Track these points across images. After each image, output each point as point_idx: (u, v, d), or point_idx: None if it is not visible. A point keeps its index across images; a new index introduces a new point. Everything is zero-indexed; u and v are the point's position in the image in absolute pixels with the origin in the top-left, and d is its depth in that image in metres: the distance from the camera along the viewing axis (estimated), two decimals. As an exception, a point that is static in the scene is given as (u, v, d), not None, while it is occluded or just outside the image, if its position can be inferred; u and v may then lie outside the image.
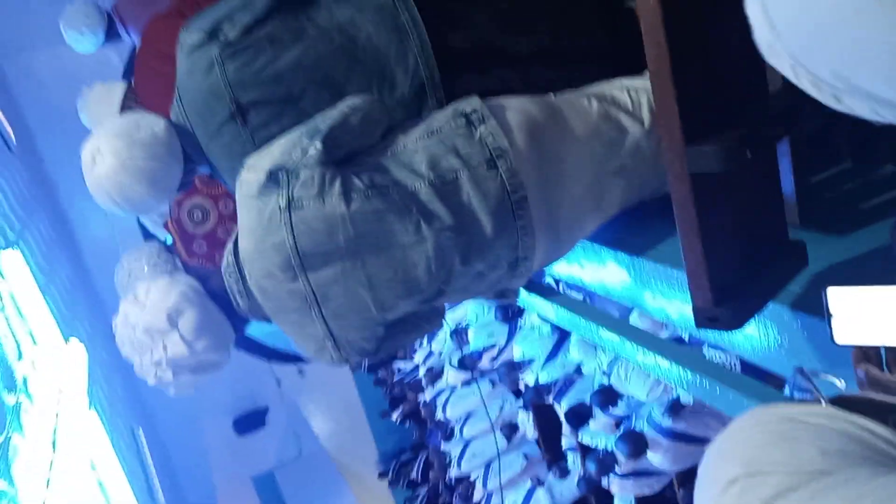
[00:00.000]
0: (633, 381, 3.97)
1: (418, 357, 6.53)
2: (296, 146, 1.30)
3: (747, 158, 0.98)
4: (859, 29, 0.49)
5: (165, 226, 2.41)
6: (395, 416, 7.38)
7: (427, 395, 6.55)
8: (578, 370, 4.57)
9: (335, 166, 1.29)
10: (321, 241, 1.27)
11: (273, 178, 1.28)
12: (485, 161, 1.31)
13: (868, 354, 0.77)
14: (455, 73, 1.48)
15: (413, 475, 7.50)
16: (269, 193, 1.28)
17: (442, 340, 6.11)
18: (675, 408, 3.72)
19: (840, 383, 0.69)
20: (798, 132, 1.20)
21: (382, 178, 1.30)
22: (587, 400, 4.42)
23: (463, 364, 5.38)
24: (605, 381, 4.21)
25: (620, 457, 4.09)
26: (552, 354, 4.88)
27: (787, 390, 1.19)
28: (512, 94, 1.43)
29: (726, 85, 1.06)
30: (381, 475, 7.84)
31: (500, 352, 5.25)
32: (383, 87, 1.47)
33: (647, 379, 3.82)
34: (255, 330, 1.53)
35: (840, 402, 0.60)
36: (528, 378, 5.03)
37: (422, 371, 6.50)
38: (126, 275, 2.11)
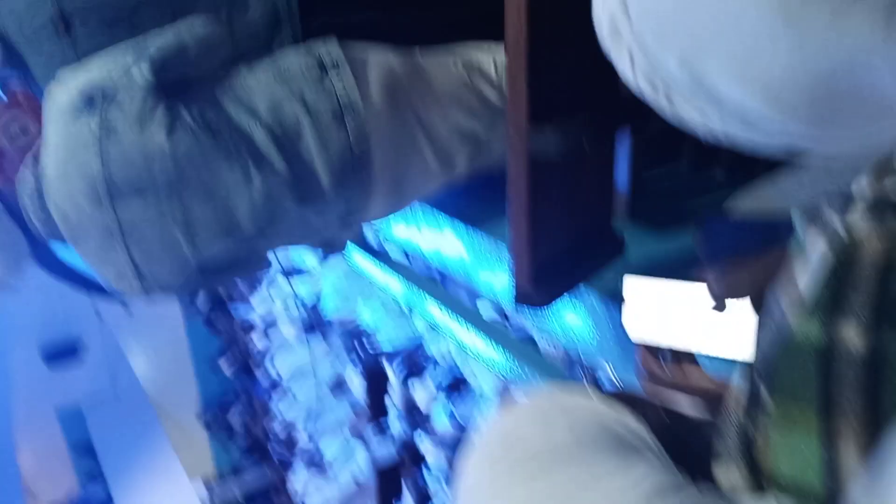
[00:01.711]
0: (483, 377, 4.07)
1: (255, 304, 6.39)
2: (118, 66, 1.19)
3: (585, 147, 1.00)
4: (726, 8, 0.46)
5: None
6: (224, 363, 7.22)
7: (258, 345, 6.45)
8: (423, 343, 4.63)
9: (161, 93, 1.19)
10: (134, 173, 1.18)
11: (87, 98, 1.16)
12: (332, 113, 1.26)
13: (650, 348, 0.82)
14: (316, 5, 1.40)
15: (232, 422, 7.38)
16: (80, 114, 1.17)
17: (285, 286, 6.01)
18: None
19: (609, 368, 0.74)
20: (641, 127, 1.24)
21: (215, 114, 1.22)
22: (427, 370, 4.50)
23: (306, 318, 5.31)
24: (454, 370, 4.29)
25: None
26: (398, 324, 4.92)
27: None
28: (376, 41, 1.37)
29: (580, 69, 1.07)
30: (200, 419, 7.66)
31: (348, 313, 5.23)
32: (233, 10, 1.37)
33: (492, 373, 3.91)
34: (70, 255, 1.42)
35: (609, 394, 0.65)
36: (368, 342, 5.06)
37: (256, 318, 6.38)
38: None
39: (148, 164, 1.18)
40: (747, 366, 0.56)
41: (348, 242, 1.45)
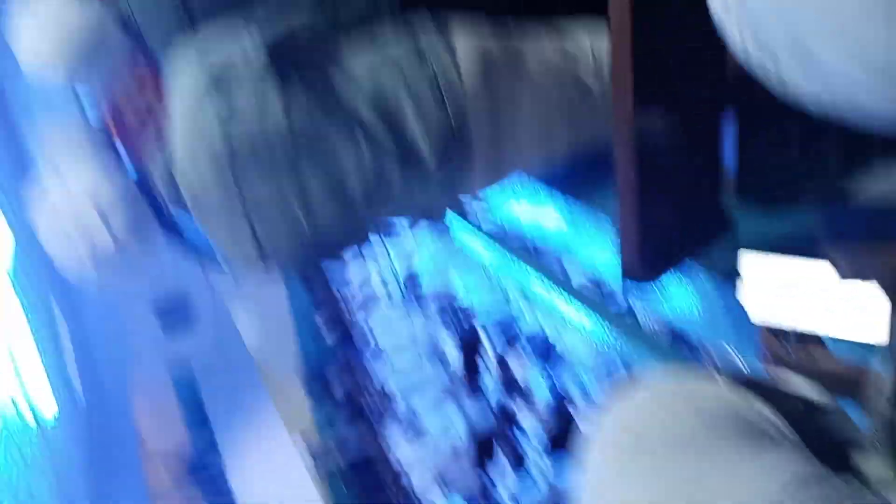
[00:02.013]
0: (576, 345, 4.04)
1: (355, 272, 6.55)
2: (237, 49, 1.27)
3: (692, 127, 1.00)
4: None
5: (104, 111, 2.29)
6: (323, 326, 7.42)
7: (358, 312, 6.60)
8: (517, 315, 4.65)
9: (277, 75, 1.27)
10: (256, 151, 1.26)
11: (210, 82, 1.25)
12: (432, 94, 1.31)
13: (772, 329, 0.80)
14: None
15: (330, 385, 7.60)
16: (204, 98, 1.25)
17: (383, 258, 6.12)
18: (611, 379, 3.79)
19: (741, 361, 0.72)
20: (749, 104, 1.22)
21: (326, 94, 1.29)
22: (523, 341, 4.52)
23: (403, 289, 5.41)
24: (545, 336, 4.30)
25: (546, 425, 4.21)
26: (494, 295, 4.94)
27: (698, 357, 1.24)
28: (473, 12, 1.41)
29: (686, 47, 1.07)
30: (302, 383, 7.93)
31: (444, 285, 5.29)
32: None
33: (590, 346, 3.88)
34: (188, 226, 1.51)
35: (736, 380, 0.62)
36: (464, 313, 5.11)
37: (356, 286, 6.53)
38: (52, 148, 2.03)
39: (269, 143, 1.26)
40: (889, 354, 0.55)
41: (447, 212, 1.50)
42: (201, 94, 1.25)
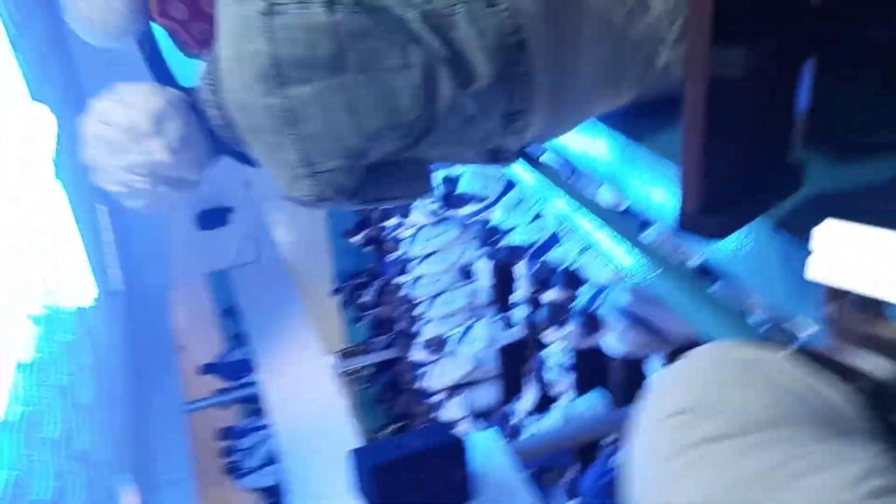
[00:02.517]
0: (597, 267, 4.02)
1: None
2: None
3: (769, 73, 0.93)
4: None
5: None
6: (356, 238, 7.48)
7: (392, 224, 6.62)
8: (553, 239, 4.62)
9: None
10: (300, 51, 1.20)
11: None
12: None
13: (839, 294, 0.75)
14: None
15: (364, 298, 7.72)
16: None
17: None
18: (636, 291, 3.77)
19: (808, 330, 0.68)
20: (829, 51, 1.14)
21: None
22: (555, 266, 4.51)
23: (445, 201, 5.36)
24: (572, 266, 4.27)
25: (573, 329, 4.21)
26: (529, 220, 4.92)
27: (751, 319, 1.20)
28: None
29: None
30: (334, 292, 8.05)
31: (485, 207, 5.25)
32: None
33: (628, 281, 3.85)
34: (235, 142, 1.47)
35: (803, 352, 0.59)
36: (500, 233, 5.10)
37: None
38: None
39: (311, 43, 1.20)
40: None
41: (515, 154, 1.43)
42: None
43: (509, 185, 5.00)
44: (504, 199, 5.17)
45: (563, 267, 4.45)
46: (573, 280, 4.33)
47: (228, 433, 6.89)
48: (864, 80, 1.41)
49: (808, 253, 0.74)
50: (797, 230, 1.08)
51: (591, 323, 4.05)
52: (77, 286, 4.07)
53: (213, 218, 6.93)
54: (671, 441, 0.54)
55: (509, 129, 1.35)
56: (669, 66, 1.36)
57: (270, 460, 6.27)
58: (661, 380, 0.60)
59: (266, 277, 7.12)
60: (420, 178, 1.43)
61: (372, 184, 1.34)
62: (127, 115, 1.33)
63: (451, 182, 5.39)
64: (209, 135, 1.38)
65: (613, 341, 4.00)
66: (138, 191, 1.37)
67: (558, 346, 4.77)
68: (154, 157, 1.33)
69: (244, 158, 1.44)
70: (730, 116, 1.01)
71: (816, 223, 0.74)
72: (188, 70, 1.82)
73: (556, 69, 1.31)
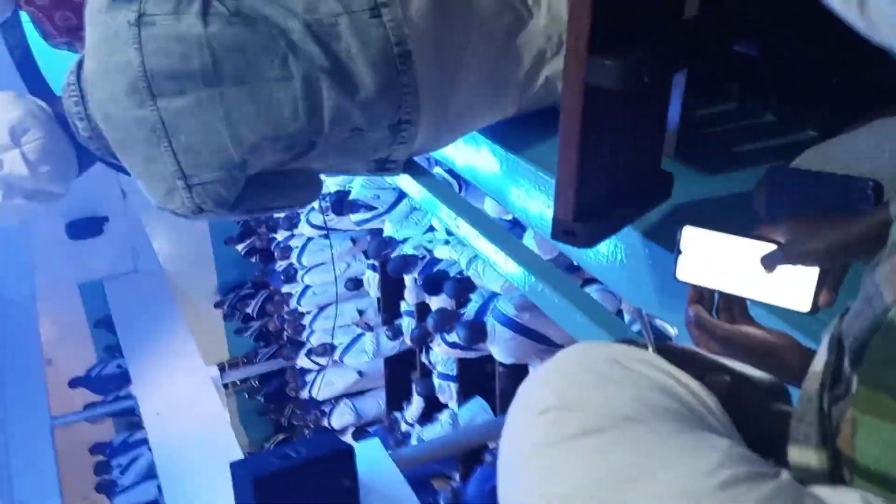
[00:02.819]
0: (488, 275, 4.07)
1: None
2: None
3: (644, 81, 0.96)
4: None
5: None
6: (241, 247, 7.31)
7: (280, 236, 6.51)
8: (443, 246, 4.65)
9: None
10: (173, 63, 1.16)
11: None
12: (368, 7, 1.23)
13: (702, 296, 0.78)
14: None
15: (249, 310, 7.54)
16: (117, 8, 1.15)
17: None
18: (523, 301, 3.84)
19: (673, 330, 0.71)
20: (698, 64, 1.19)
21: (250, 8, 1.19)
22: (444, 278, 4.54)
23: (334, 210, 5.30)
24: (463, 272, 4.31)
25: (459, 336, 4.24)
26: (421, 231, 4.94)
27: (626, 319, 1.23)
28: None
29: (643, 1, 1.02)
30: (217, 305, 7.82)
31: (376, 216, 5.22)
32: None
33: (511, 288, 3.91)
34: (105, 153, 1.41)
35: (666, 350, 0.61)
36: (389, 246, 5.09)
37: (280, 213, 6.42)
38: None
39: (185, 55, 1.16)
40: (830, 342, 0.53)
41: (402, 164, 1.42)
42: (112, 4, 1.15)
43: (401, 196, 5.01)
44: (396, 209, 5.17)
45: (453, 276, 4.48)
46: (462, 288, 4.38)
47: (102, 449, 6.58)
48: (727, 95, 1.48)
49: (674, 256, 0.77)
50: (665, 239, 1.12)
51: (478, 332, 4.10)
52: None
53: (85, 227, 6.61)
54: (537, 438, 0.54)
55: (396, 140, 1.34)
56: (550, 80, 1.39)
57: (148, 476, 6.01)
58: (531, 379, 0.60)
59: (143, 288, 6.83)
60: (307, 188, 1.40)
61: (255, 194, 1.31)
62: None
63: (342, 192, 5.35)
64: (75, 146, 1.31)
65: (499, 350, 4.06)
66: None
67: (444, 355, 4.80)
68: (10, 170, 1.27)
69: (118, 167, 1.38)
70: (604, 125, 1.04)
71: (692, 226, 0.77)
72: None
73: (441, 80, 1.32)
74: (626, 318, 1.21)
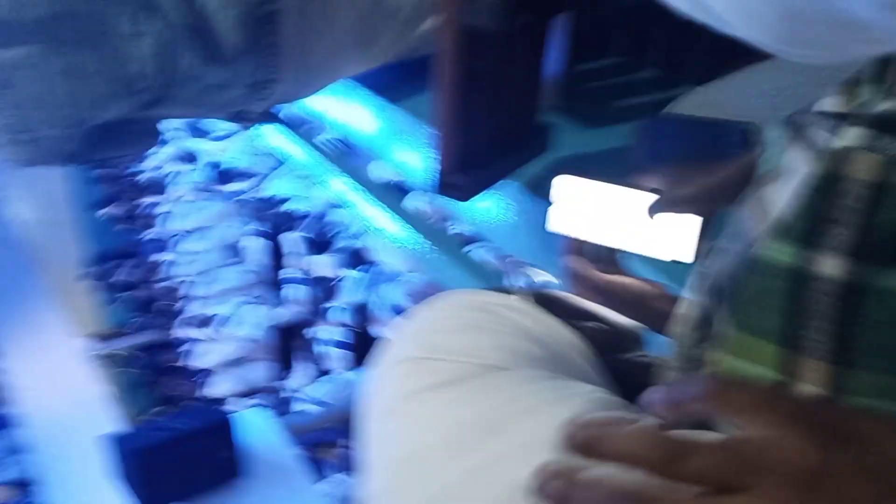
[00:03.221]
0: (386, 253, 4.00)
1: (148, 157, 6.09)
2: None
3: (522, 24, 0.93)
4: None
5: None
6: (104, 211, 6.95)
7: (147, 199, 6.21)
8: (328, 211, 4.54)
9: None
10: (6, 13, 1.06)
11: None
12: None
13: (578, 248, 0.77)
14: None
15: (116, 278, 7.20)
16: None
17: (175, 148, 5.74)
18: (415, 291, 3.80)
19: (548, 277, 0.69)
20: (580, 13, 1.17)
21: None
22: (329, 238, 4.44)
23: (210, 178, 5.07)
24: (356, 244, 4.23)
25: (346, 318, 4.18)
26: (300, 192, 4.81)
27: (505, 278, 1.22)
28: None
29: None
30: (83, 277, 7.43)
31: (255, 185, 5.04)
32: None
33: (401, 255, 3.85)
34: None
35: (535, 297, 0.59)
36: (272, 209, 4.93)
37: (147, 173, 6.11)
38: None
39: (20, 3, 1.06)
40: (699, 284, 0.52)
41: (261, 115, 1.35)
42: None
43: (280, 162, 4.88)
44: (274, 173, 5.02)
45: (342, 244, 4.40)
46: (353, 259, 4.29)
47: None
48: (611, 48, 1.48)
49: (548, 207, 0.75)
50: (543, 192, 1.11)
51: (362, 317, 4.07)
52: None
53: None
54: (397, 389, 0.52)
55: (254, 97, 1.28)
56: (427, 33, 1.35)
57: (13, 451, 5.69)
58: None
59: (2, 259, 6.41)
60: (145, 138, 1.32)
61: (91, 144, 1.22)
62: None
63: (215, 162, 5.14)
64: None
65: (380, 331, 4.03)
66: None
67: (331, 323, 4.73)
68: None
69: None
70: (480, 72, 1.01)
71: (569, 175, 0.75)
72: None
73: (306, 37, 1.26)
74: (510, 273, 1.20)
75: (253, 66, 1.22)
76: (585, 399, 0.48)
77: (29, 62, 1.09)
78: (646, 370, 0.56)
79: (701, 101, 0.88)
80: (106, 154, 1.28)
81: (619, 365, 0.59)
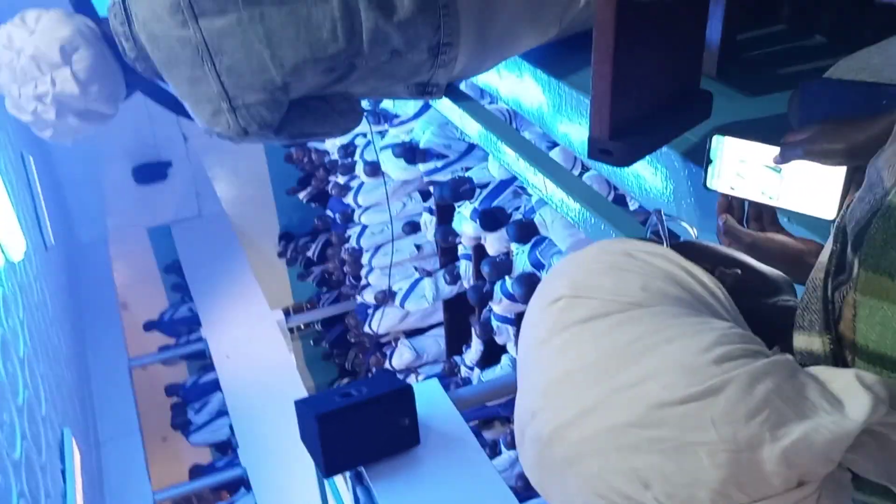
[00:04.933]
0: (556, 229, 4.03)
1: (337, 141, 6.45)
2: None
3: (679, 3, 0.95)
4: None
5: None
6: (302, 195, 7.42)
7: (340, 179, 6.57)
8: (503, 185, 4.63)
9: None
10: None
11: None
12: None
13: (732, 205, 0.80)
14: None
15: (309, 253, 7.68)
16: None
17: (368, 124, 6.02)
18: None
19: (693, 231, 0.72)
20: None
21: None
22: (505, 211, 4.52)
23: (406, 157, 5.31)
24: (527, 217, 4.27)
25: (515, 293, 4.24)
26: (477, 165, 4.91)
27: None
28: None
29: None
30: (280, 255, 7.97)
31: (446, 165, 5.22)
32: None
33: (571, 231, 3.87)
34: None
35: (680, 246, 0.63)
36: (439, 175, 5.08)
37: (334, 154, 6.47)
38: None
39: None
40: (836, 232, 0.54)
41: (444, 88, 1.43)
42: None
43: (472, 146, 5.00)
44: (453, 151, 5.16)
45: (515, 218, 4.46)
46: (524, 232, 4.34)
47: (176, 390, 6.84)
48: (776, 16, 1.45)
49: (704, 165, 0.78)
50: (702, 159, 1.12)
51: (533, 288, 4.10)
52: (5, 239, 3.95)
53: (150, 172, 6.79)
54: (551, 324, 0.58)
55: (437, 63, 1.35)
56: (591, 2, 1.38)
57: (219, 415, 6.26)
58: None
59: (208, 233, 7.02)
60: (348, 114, 1.42)
61: (298, 118, 1.33)
62: (33, 42, 1.28)
63: (413, 141, 5.36)
64: (123, 67, 1.35)
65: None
66: (46, 121, 1.34)
67: (504, 312, 4.81)
68: (61, 88, 1.30)
69: (177, 108, 1.42)
70: (639, 41, 1.03)
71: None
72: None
73: (481, 2, 1.32)
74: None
75: (432, 28, 1.29)
76: (720, 333, 0.52)
77: (235, 30, 1.21)
78: (789, 313, 0.58)
79: (857, 65, 0.87)
80: (310, 130, 1.39)
81: (762, 308, 0.62)
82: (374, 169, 5.86)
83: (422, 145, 5.20)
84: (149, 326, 6.89)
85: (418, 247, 6.16)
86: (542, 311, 0.60)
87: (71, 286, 6.29)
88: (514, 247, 4.48)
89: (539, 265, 4.19)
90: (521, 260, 4.40)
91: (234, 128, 1.29)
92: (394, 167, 5.54)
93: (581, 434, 0.52)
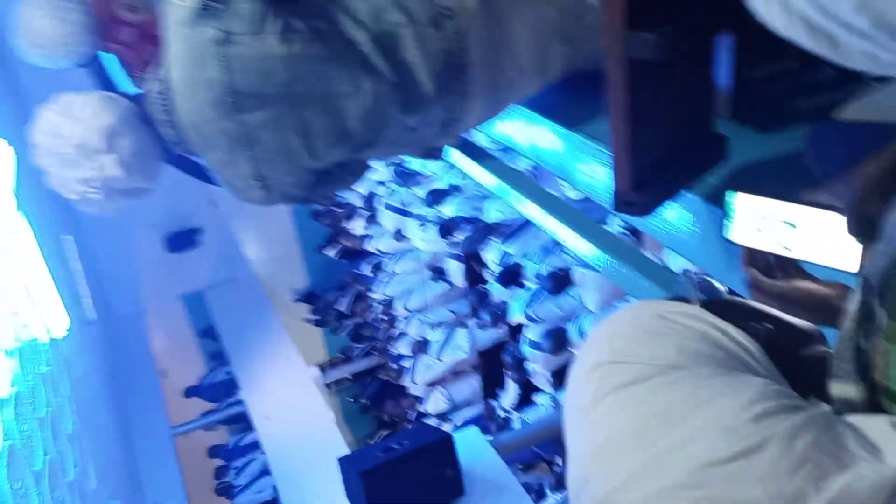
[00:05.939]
0: (587, 287, 4.04)
1: (359, 189, 6.52)
2: None
3: (684, 50, 0.98)
4: None
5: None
6: (333, 253, 7.48)
7: (362, 229, 6.63)
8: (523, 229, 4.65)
9: (273, 3, 1.24)
10: (256, 81, 1.24)
11: (206, 7, 1.22)
12: (431, 19, 1.29)
13: (756, 258, 0.81)
14: None
15: (342, 308, 7.71)
16: (201, 24, 1.22)
17: (384, 175, 6.09)
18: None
19: (721, 287, 0.75)
20: (745, 25, 1.19)
21: (323, 22, 1.26)
22: (524, 267, 4.54)
23: (427, 201, 5.38)
24: (553, 268, 4.28)
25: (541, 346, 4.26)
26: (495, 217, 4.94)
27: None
28: None
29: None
30: (310, 320, 8.01)
31: (449, 207, 5.27)
32: None
33: (602, 289, 3.87)
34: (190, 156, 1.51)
35: (710, 304, 0.65)
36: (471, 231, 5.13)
37: (358, 203, 6.55)
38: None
39: (268, 72, 1.24)
40: (861, 282, 0.56)
41: (445, 148, 1.51)
42: (193, 20, 1.23)
43: (479, 186, 5.03)
44: (473, 194, 5.21)
45: (539, 270, 4.47)
46: (558, 285, 4.34)
47: (218, 451, 6.86)
48: (786, 51, 1.47)
49: (725, 220, 0.80)
50: (721, 199, 1.14)
51: (559, 343, 4.12)
52: (49, 318, 4.05)
53: (182, 240, 6.90)
54: (594, 390, 0.60)
55: (445, 133, 1.42)
56: (592, 46, 1.42)
57: (261, 475, 6.26)
58: (588, 339, 0.66)
59: (241, 295, 7.10)
60: (358, 172, 1.50)
61: (318, 186, 1.40)
62: (76, 130, 1.34)
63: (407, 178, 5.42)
64: (160, 143, 1.41)
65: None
66: (96, 201, 1.40)
67: (539, 368, 4.79)
68: (107, 173, 1.36)
69: (205, 177, 1.49)
70: (651, 95, 1.07)
71: (744, 192, 0.80)
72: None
73: (493, 74, 1.38)
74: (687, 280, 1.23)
75: (446, 108, 1.36)
76: (757, 390, 0.54)
77: (270, 123, 1.27)
78: (823, 363, 0.60)
79: (873, 105, 0.89)
80: (322, 193, 1.47)
81: (796, 360, 0.64)
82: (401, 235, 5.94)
83: (450, 214, 5.26)
84: (189, 393, 6.94)
85: (453, 291, 6.18)
86: (584, 377, 0.62)
87: (112, 358, 6.38)
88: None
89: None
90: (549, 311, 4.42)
91: (262, 200, 1.38)
92: (421, 239, 5.63)
93: (633, 497, 0.54)
